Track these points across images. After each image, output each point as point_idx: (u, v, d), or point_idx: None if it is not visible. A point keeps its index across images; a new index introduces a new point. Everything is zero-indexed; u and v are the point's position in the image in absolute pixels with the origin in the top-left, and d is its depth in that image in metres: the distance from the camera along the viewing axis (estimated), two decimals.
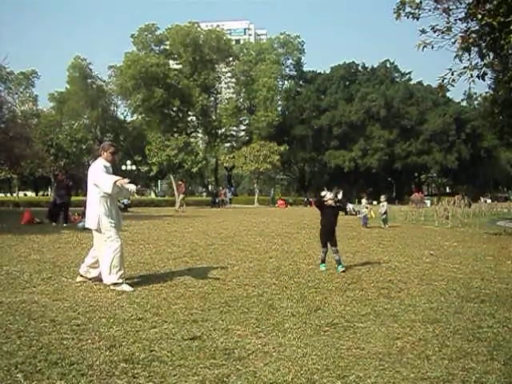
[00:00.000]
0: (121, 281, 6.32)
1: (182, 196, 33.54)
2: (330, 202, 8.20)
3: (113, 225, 6.45)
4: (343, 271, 7.76)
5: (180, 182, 36.55)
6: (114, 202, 6.72)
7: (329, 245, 8.13)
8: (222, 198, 48.13)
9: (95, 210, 6.43)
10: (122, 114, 64.69)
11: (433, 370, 3.58)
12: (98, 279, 6.58)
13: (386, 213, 18.81)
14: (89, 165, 7.57)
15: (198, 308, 5.32)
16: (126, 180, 6.46)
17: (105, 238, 6.40)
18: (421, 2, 12.96)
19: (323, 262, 8.18)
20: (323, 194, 8.39)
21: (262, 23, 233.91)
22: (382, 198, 19.77)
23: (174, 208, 33.71)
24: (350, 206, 28.64)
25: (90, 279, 6.68)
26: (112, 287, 6.26)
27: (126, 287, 6.26)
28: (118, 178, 6.39)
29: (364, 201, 19.93)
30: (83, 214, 11.47)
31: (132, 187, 6.61)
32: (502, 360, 3.79)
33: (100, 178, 6.39)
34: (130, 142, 60.37)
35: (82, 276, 6.76)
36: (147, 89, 54.98)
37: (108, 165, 6.68)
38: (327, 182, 61.76)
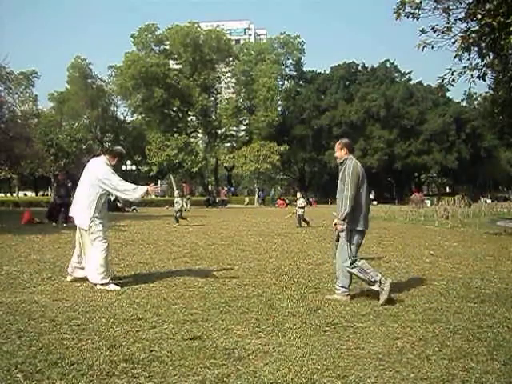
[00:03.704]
0: (107, 281, 6.34)
1: (188, 196, 34.92)
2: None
3: (101, 226, 6.46)
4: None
5: (184, 184, 37.10)
6: (106, 202, 6.74)
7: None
8: (222, 198, 48.29)
9: (88, 211, 6.40)
10: (122, 113, 64.64)
11: (433, 370, 3.58)
12: (86, 279, 6.62)
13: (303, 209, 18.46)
14: None
15: (198, 308, 5.32)
16: (145, 188, 6.60)
17: (93, 238, 6.40)
18: (421, 2, 12.95)
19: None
20: None
21: (261, 23, 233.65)
22: (298, 194, 20.09)
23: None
24: None
25: (80, 278, 6.70)
26: (99, 287, 6.28)
27: (112, 286, 6.30)
28: (145, 188, 6.54)
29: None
30: None
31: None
32: (502, 360, 3.79)
33: (123, 183, 6.45)
34: (130, 142, 60.25)
35: (70, 275, 6.79)
36: (147, 89, 54.99)
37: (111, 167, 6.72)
38: (327, 182, 61.84)
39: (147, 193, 6.61)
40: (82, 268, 6.64)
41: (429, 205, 40.63)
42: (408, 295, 6.10)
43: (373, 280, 5.69)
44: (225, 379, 3.38)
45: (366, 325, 4.74)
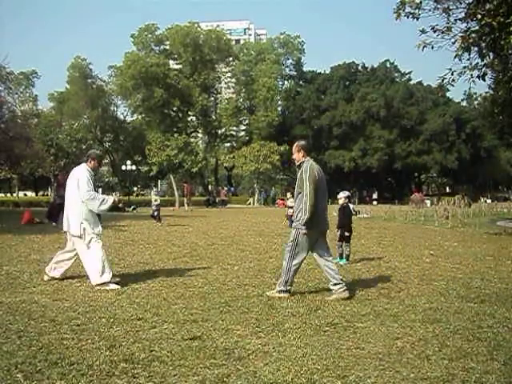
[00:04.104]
0: (107, 280, 6.38)
1: (188, 196, 35.44)
2: (341, 201, 9.41)
3: (93, 230, 6.54)
4: (341, 265, 8.43)
5: (185, 185, 37.19)
6: None
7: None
8: (222, 198, 48.27)
9: (78, 218, 6.50)
10: (122, 113, 64.55)
11: (433, 370, 3.58)
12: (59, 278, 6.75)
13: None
14: None
15: (198, 308, 5.32)
16: (112, 199, 6.77)
17: (88, 241, 6.48)
18: (421, 2, 12.98)
19: (340, 256, 8.93)
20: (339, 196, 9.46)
21: (261, 23, 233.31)
22: (288, 194, 20.60)
23: (182, 209, 34.73)
24: (350, 206, 28.64)
25: (56, 278, 6.76)
26: (99, 287, 6.31)
27: (112, 286, 6.35)
28: (110, 200, 6.67)
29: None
30: None
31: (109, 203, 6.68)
32: (501, 360, 3.79)
33: (91, 195, 6.54)
34: (130, 142, 60.26)
35: (46, 274, 6.84)
36: (147, 89, 54.95)
37: (93, 173, 6.82)
38: (327, 182, 61.70)
39: (114, 203, 6.80)
40: (61, 263, 6.76)
41: (429, 205, 40.63)
42: (408, 295, 6.10)
43: (288, 283, 5.91)
44: (225, 379, 3.38)
45: (366, 325, 4.74)
